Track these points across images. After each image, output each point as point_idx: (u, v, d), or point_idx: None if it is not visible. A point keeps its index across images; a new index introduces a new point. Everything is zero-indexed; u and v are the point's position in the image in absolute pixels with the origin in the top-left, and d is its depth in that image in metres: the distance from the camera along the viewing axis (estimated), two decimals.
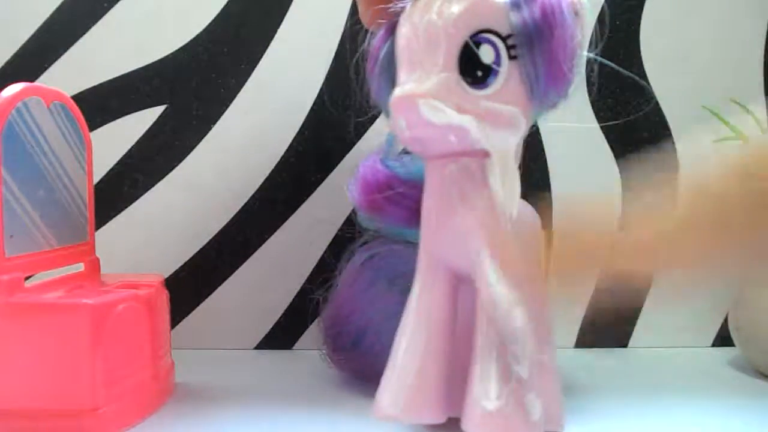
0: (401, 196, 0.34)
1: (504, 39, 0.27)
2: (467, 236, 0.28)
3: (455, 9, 0.27)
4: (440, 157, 0.29)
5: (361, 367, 0.39)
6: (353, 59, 0.34)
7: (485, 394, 0.26)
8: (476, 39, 0.27)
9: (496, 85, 0.27)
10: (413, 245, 0.31)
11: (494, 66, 0.27)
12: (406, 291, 0.30)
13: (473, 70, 0.27)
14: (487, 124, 0.27)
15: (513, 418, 0.26)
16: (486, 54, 0.27)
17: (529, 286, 0.29)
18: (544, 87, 0.28)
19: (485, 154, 0.27)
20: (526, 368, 0.26)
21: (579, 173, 0.50)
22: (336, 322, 0.39)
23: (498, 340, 0.27)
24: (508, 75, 0.27)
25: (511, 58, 0.27)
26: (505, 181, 0.27)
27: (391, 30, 0.30)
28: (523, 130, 0.28)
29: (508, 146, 0.28)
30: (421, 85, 0.26)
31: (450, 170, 0.28)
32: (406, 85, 0.27)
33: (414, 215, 0.32)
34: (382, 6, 0.30)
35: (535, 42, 0.27)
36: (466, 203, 0.28)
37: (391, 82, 0.30)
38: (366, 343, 0.38)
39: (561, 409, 0.31)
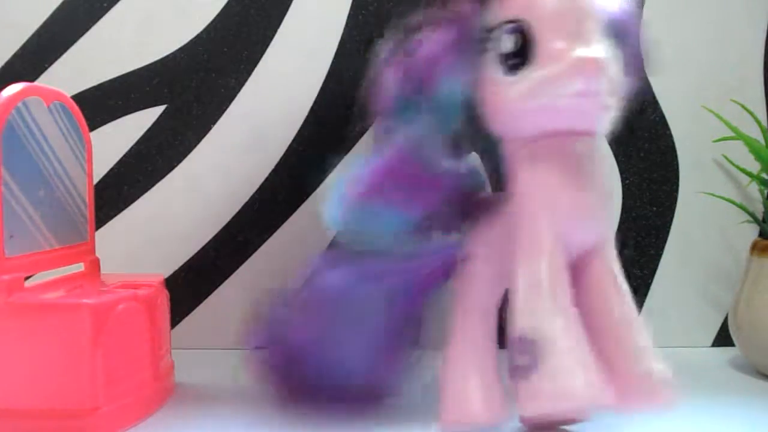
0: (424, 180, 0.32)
1: None
2: (595, 213, 0.29)
3: None
4: (553, 135, 0.29)
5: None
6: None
7: (656, 363, 0.28)
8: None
9: None
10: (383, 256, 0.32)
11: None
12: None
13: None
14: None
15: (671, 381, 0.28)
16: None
17: None
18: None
19: (592, 135, 0.29)
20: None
21: None
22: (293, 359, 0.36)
23: (632, 313, 0.28)
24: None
25: None
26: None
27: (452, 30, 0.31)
28: None
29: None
30: (600, 52, 0.27)
31: (577, 148, 0.29)
32: (587, 49, 0.27)
33: (417, 199, 0.31)
34: None
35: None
36: (593, 180, 0.29)
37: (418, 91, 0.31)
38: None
39: None
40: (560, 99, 0.27)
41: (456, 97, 0.30)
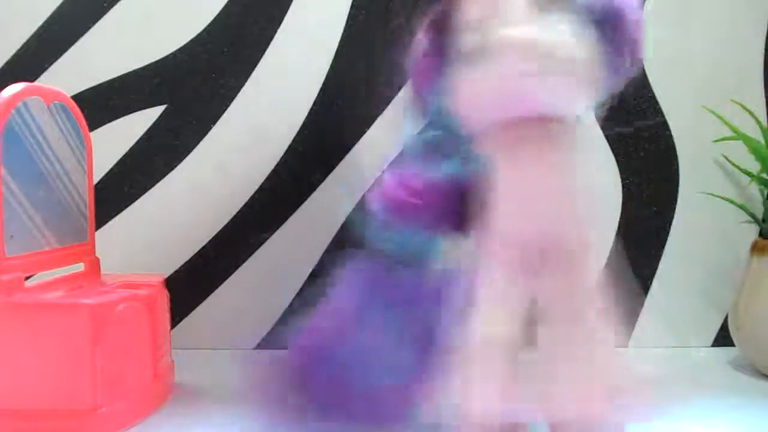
0: (440, 200, 0.34)
1: None
2: (562, 202, 0.28)
3: None
4: (512, 123, 0.28)
5: (329, 404, 0.34)
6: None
7: None
8: None
9: None
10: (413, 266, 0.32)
11: None
12: (399, 319, 0.31)
13: None
14: None
15: None
16: None
17: None
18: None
19: (547, 119, 0.28)
20: None
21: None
22: (317, 344, 0.35)
23: None
24: None
25: None
26: None
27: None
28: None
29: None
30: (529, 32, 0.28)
31: (534, 134, 0.28)
32: (512, 29, 0.28)
33: (447, 219, 0.33)
34: None
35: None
36: (557, 169, 0.28)
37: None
38: (349, 376, 0.33)
39: None
40: (503, 82, 0.27)
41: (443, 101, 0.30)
